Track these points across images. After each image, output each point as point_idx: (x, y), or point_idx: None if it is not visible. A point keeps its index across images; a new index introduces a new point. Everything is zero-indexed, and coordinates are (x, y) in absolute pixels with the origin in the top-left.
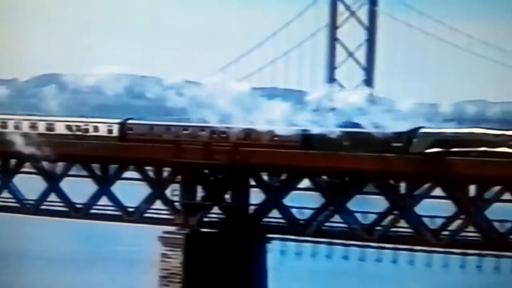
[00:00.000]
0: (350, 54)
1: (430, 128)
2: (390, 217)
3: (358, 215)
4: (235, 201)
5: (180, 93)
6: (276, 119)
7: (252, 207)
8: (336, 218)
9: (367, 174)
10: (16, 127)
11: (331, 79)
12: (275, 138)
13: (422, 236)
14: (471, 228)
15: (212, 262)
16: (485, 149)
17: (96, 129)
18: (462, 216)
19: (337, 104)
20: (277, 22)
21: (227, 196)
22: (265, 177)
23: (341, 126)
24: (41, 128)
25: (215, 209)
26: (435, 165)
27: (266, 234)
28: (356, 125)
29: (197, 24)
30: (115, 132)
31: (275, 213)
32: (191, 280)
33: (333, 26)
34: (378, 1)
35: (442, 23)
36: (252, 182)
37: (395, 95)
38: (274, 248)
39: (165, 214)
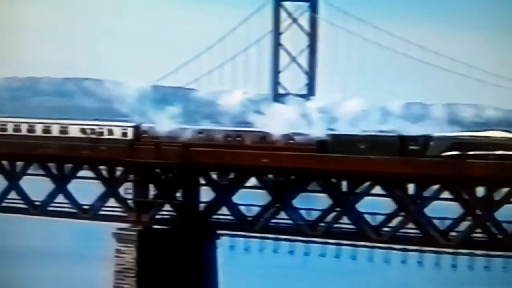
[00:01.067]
0: (293, 59)
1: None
2: (332, 214)
3: (303, 212)
4: (186, 199)
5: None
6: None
7: (202, 205)
8: (283, 215)
9: (310, 173)
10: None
11: (276, 82)
12: (290, 142)
13: (364, 232)
14: (411, 225)
15: (165, 258)
16: (502, 152)
17: (110, 132)
18: (402, 214)
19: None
20: (224, 28)
21: (178, 194)
22: (214, 176)
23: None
24: (55, 131)
25: (167, 207)
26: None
27: (216, 231)
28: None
29: (147, 29)
30: (130, 135)
31: (224, 210)
32: (145, 274)
33: (277, 32)
34: (318, 8)
35: (380, 28)
36: (202, 181)
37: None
38: (223, 243)
39: (119, 212)
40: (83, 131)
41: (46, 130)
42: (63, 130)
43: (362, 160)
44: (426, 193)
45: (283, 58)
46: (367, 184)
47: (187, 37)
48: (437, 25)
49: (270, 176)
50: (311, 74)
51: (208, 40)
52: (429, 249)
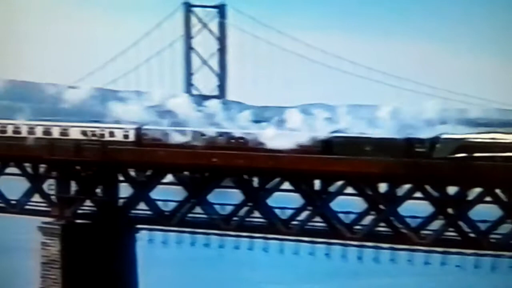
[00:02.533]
0: (204, 62)
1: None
2: (245, 209)
3: (217, 207)
4: (105, 194)
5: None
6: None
7: (121, 200)
8: (198, 209)
9: (221, 170)
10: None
11: (189, 84)
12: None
13: (274, 226)
14: (318, 219)
15: (87, 250)
16: (509, 154)
17: (112, 134)
18: (310, 208)
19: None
20: (139, 32)
21: (98, 190)
22: (132, 173)
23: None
24: (55, 133)
25: (89, 202)
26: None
27: (134, 225)
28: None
29: (63, 32)
30: (132, 137)
31: (143, 205)
32: (69, 266)
33: (188, 37)
34: (227, 14)
35: (284, 34)
36: (121, 178)
37: (247, 99)
38: (142, 237)
39: (43, 207)
40: (84, 133)
41: (47, 132)
42: (64, 132)
43: (274, 158)
44: (332, 189)
45: (195, 61)
46: (277, 180)
47: (104, 41)
48: (338, 30)
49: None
50: (221, 76)
51: (124, 43)
52: (336, 242)
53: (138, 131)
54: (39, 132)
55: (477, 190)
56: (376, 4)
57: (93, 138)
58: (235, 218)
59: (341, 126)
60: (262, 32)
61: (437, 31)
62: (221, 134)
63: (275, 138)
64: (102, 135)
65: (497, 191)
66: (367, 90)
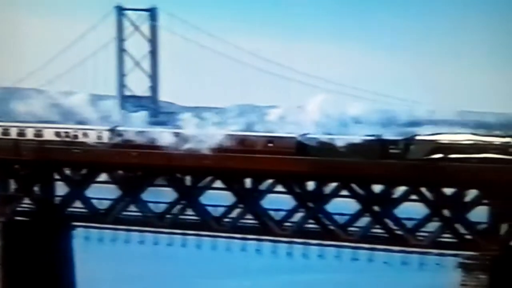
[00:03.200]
0: (137, 64)
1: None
2: (178, 206)
3: (151, 205)
4: (43, 193)
5: None
6: None
7: (58, 198)
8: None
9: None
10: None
11: (121, 85)
12: (269, 145)
13: (207, 222)
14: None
15: (27, 246)
16: (485, 155)
17: (85, 135)
18: (241, 206)
19: None
20: (74, 33)
21: (36, 189)
22: (68, 172)
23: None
24: (30, 134)
25: (28, 200)
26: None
27: (71, 222)
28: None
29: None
30: (105, 138)
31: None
32: (10, 261)
33: (120, 39)
34: (158, 17)
35: (214, 36)
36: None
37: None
38: (79, 234)
39: None
40: (57, 134)
41: (21, 133)
42: (38, 134)
43: (201, 157)
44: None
45: (128, 63)
46: (208, 179)
47: (41, 42)
48: (267, 34)
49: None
50: (153, 77)
51: (60, 45)
52: (266, 238)
53: (112, 132)
54: (13, 133)
55: (402, 188)
56: (306, 7)
57: (66, 139)
58: (168, 216)
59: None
60: (193, 34)
61: (368, 35)
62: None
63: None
64: (76, 136)
65: (423, 189)
66: (294, 91)
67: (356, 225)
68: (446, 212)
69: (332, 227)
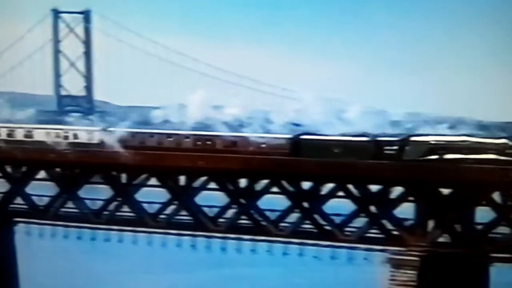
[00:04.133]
0: (72, 64)
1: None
2: (114, 203)
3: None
4: None
5: None
6: None
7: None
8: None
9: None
10: None
11: (58, 85)
12: (262, 145)
13: (142, 219)
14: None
15: None
16: (481, 156)
17: (76, 136)
18: (176, 202)
19: None
20: (12, 36)
21: None
22: (9, 169)
23: None
24: (19, 135)
25: None
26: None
27: (12, 218)
28: None
29: None
30: (96, 139)
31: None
32: None
33: (56, 40)
34: (92, 19)
35: (145, 37)
36: None
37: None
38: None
39: None
40: (48, 135)
41: (10, 134)
42: (28, 134)
43: (134, 155)
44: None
45: (64, 63)
46: (143, 176)
47: None
48: (195, 34)
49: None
50: (88, 77)
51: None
52: (200, 234)
53: (104, 132)
54: (3, 134)
55: (330, 185)
56: (232, 10)
57: (56, 139)
58: (105, 212)
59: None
60: (125, 35)
61: (294, 38)
62: (187, 136)
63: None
64: (67, 137)
65: (350, 186)
66: (223, 91)
67: (287, 221)
68: (373, 208)
69: (263, 223)
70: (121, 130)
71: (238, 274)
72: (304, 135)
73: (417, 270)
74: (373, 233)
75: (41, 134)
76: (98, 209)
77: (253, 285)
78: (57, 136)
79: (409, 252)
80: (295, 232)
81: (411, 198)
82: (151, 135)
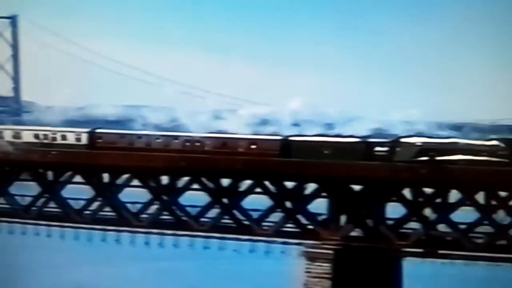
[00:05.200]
0: (1, 67)
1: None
2: (42, 200)
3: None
4: None
5: None
6: None
7: None
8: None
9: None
10: None
11: None
12: (252, 146)
13: (69, 215)
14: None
15: None
16: (471, 158)
17: (64, 137)
18: (100, 199)
19: None
20: None
21: None
22: None
23: None
24: (7, 136)
25: None
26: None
27: None
28: None
29: None
30: (84, 141)
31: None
32: None
33: None
34: (18, 23)
35: (71, 41)
36: None
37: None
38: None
39: None
40: (36, 136)
41: None
42: (16, 136)
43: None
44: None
45: None
46: (68, 174)
47: None
48: (121, 37)
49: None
50: (16, 79)
51: None
52: (124, 229)
53: (91, 134)
54: None
55: (248, 182)
56: (157, 12)
57: (45, 141)
58: (34, 208)
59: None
60: (52, 39)
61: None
62: (176, 137)
63: None
64: (54, 138)
65: (267, 182)
66: (147, 93)
67: (208, 216)
68: (288, 204)
69: (185, 218)
70: (108, 132)
71: (162, 266)
72: (294, 136)
73: (331, 263)
74: (289, 227)
75: (29, 135)
76: (26, 205)
77: (175, 278)
78: (45, 137)
79: (323, 246)
80: (216, 227)
81: (324, 194)
82: (139, 136)
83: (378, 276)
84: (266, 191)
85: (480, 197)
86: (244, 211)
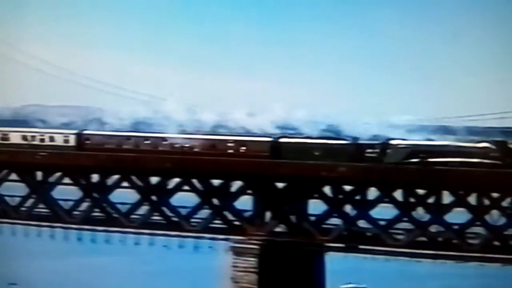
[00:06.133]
0: None
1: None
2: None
3: None
4: None
5: None
6: None
7: None
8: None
9: None
10: None
11: None
12: (242, 148)
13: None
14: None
15: None
16: (461, 159)
17: (52, 139)
18: (34, 196)
19: None
20: None
21: None
22: None
23: None
24: None
25: None
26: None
27: None
28: None
29: None
30: (72, 142)
31: None
32: None
33: None
34: None
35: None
36: None
37: None
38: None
39: None
40: (24, 138)
41: None
42: (4, 137)
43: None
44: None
45: None
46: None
47: None
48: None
49: None
50: None
51: None
52: (58, 225)
53: (79, 136)
54: None
55: (176, 180)
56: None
57: (33, 142)
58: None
59: None
60: None
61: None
62: (164, 138)
63: None
64: (42, 140)
65: (194, 180)
66: (77, 93)
67: (137, 213)
68: (215, 201)
69: (116, 215)
70: (97, 133)
71: (94, 261)
72: (284, 137)
73: (257, 257)
74: (217, 223)
75: (17, 136)
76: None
77: (106, 272)
78: (33, 139)
79: (249, 241)
80: (146, 223)
81: (249, 192)
82: (128, 137)
83: (302, 269)
84: (193, 189)
85: (398, 194)
86: (173, 208)
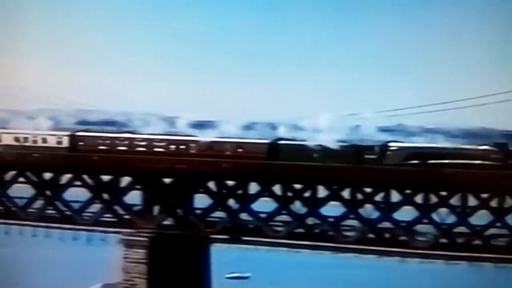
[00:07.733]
0: None
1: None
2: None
3: None
4: None
5: None
6: None
7: None
8: None
9: None
10: None
11: None
12: (239, 150)
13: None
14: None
15: None
16: (461, 161)
17: (44, 141)
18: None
19: None
20: None
21: None
22: None
23: None
24: None
25: None
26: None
27: None
28: None
29: None
30: (65, 144)
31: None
32: None
33: None
34: None
35: None
36: None
37: None
38: None
39: None
40: (16, 139)
41: None
42: None
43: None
44: None
45: None
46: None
47: None
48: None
49: None
50: None
51: None
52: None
53: (73, 137)
54: None
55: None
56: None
57: (26, 144)
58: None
59: None
60: None
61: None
62: (160, 140)
63: None
64: (35, 141)
65: (85, 176)
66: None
67: (34, 207)
68: (106, 196)
69: (14, 209)
70: (90, 134)
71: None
72: (282, 140)
73: (146, 249)
74: (108, 217)
75: (9, 138)
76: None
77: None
78: (26, 140)
79: (138, 234)
80: (41, 217)
81: (138, 187)
82: (122, 139)
83: (189, 260)
84: (84, 184)
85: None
86: (65, 203)
